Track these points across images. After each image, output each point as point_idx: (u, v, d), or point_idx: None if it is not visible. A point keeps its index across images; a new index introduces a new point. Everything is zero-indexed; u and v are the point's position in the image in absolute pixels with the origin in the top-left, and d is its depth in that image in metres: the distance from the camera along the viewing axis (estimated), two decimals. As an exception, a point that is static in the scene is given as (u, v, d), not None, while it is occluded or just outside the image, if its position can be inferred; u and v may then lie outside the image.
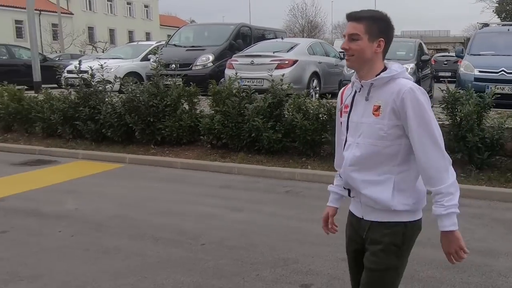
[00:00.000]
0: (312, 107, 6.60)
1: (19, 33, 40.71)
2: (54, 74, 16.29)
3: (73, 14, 44.76)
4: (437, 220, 1.80)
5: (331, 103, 6.40)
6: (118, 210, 4.81)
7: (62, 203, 5.07)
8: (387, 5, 57.05)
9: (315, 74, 11.42)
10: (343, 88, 2.10)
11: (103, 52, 32.27)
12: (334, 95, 7.68)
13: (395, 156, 1.89)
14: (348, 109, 2.00)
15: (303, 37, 44.55)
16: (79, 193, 5.46)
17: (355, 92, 1.98)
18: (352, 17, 1.91)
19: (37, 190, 5.56)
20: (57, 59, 20.34)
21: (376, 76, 1.90)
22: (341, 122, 2.05)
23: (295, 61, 10.70)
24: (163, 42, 15.26)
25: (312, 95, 10.17)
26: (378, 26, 1.89)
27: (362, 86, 1.94)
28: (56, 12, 34.16)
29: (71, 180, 6.07)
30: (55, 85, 15.62)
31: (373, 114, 1.90)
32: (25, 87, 9.81)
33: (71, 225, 4.39)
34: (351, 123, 1.99)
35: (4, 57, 16.21)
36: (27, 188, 5.63)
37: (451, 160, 1.84)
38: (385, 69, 1.92)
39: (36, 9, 39.61)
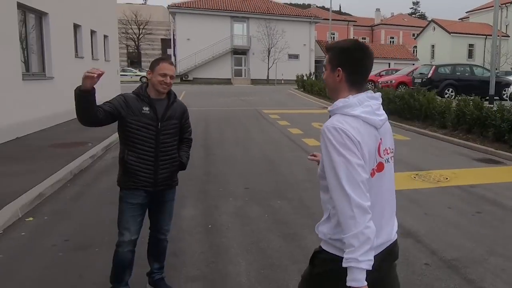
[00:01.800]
0: None
1: (469, 54, 39.11)
2: (497, 88, 14.90)
3: (509, 36, 38.61)
4: None
5: None
6: None
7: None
8: None
9: None
10: None
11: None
12: None
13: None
14: None
15: None
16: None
17: None
18: (325, 48, 1.48)
19: (492, 184, 5.21)
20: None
21: None
22: None
23: None
24: None
25: None
26: (337, 56, 1.37)
27: None
28: (498, 36, 30.59)
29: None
30: (497, 97, 14.23)
31: None
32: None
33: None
34: None
35: (467, 74, 16.15)
36: (485, 181, 5.38)
37: (364, 208, 1.18)
38: None
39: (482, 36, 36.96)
